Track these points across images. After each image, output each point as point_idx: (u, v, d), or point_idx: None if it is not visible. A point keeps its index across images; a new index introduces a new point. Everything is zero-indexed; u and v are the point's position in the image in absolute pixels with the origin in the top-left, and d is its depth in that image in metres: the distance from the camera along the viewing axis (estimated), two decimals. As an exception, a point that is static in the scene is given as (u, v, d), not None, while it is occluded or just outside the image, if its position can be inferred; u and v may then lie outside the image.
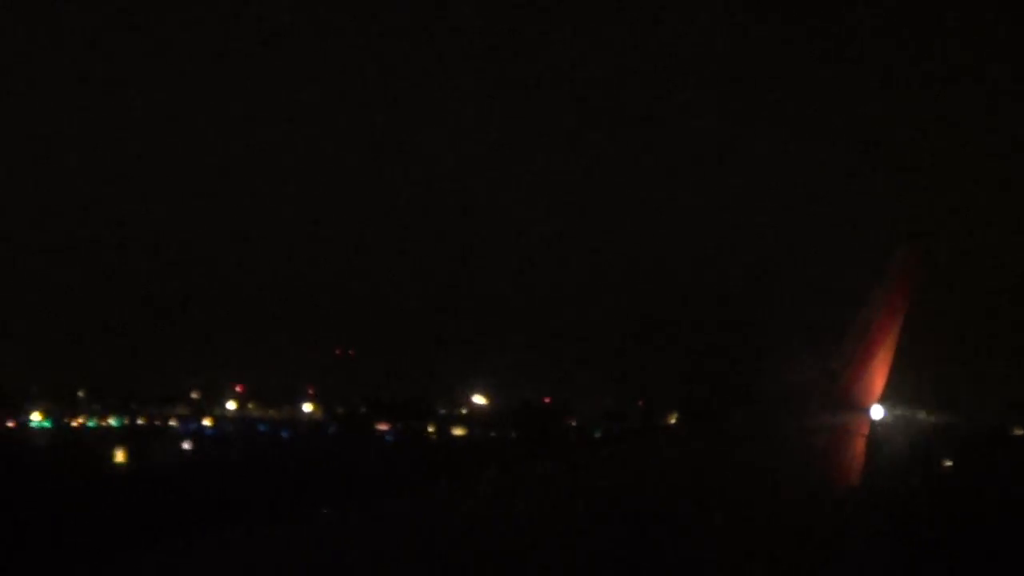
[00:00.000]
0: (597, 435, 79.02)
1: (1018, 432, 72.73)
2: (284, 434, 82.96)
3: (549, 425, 78.28)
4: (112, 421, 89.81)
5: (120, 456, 57.10)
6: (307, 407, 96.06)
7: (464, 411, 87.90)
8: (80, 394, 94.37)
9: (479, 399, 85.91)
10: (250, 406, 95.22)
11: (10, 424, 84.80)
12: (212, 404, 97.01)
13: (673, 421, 76.02)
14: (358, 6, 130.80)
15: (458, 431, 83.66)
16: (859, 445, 14.67)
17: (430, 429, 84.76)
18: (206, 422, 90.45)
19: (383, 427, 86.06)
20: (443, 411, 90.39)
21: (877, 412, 14.28)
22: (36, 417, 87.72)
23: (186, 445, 70.74)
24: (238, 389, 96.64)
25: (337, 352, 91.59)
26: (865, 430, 14.70)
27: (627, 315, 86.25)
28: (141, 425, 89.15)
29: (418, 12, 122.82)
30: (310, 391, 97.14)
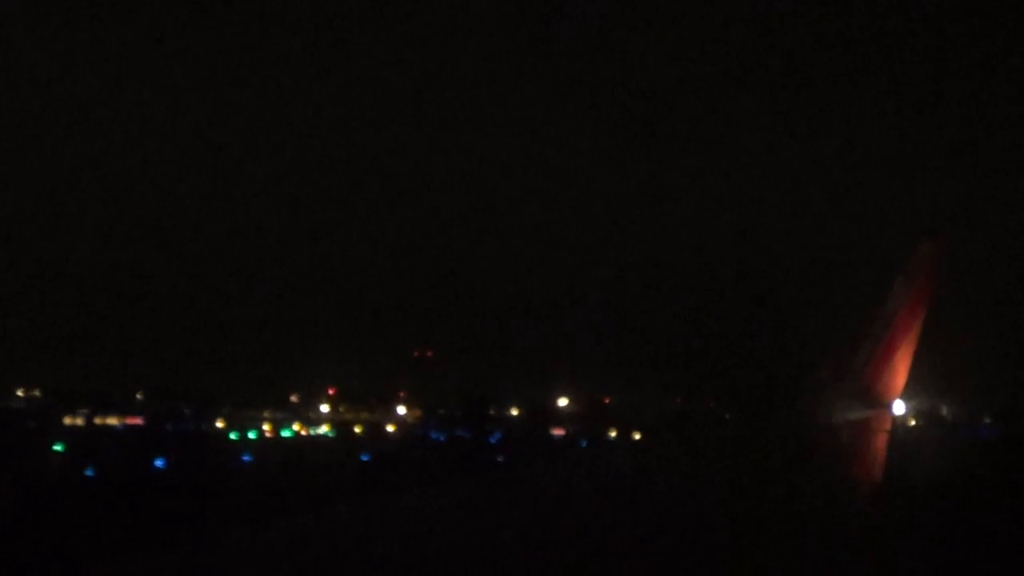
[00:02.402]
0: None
1: None
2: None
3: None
4: (325, 430, 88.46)
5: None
6: (401, 409, 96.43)
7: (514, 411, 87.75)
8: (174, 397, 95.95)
9: (563, 400, 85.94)
10: (341, 408, 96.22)
11: (268, 434, 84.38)
12: (308, 407, 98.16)
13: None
14: (382, 8, 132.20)
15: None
16: (881, 441, 14.19)
17: (612, 434, 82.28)
18: (390, 428, 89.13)
19: (558, 431, 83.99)
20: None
21: (899, 408, 13.81)
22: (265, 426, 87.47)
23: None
24: (331, 392, 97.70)
25: (416, 354, 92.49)
26: (887, 426, 14.21)
27: (678, 319, 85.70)
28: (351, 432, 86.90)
29: (438, 16, 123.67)
30: (402, 393, 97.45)
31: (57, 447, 58.06)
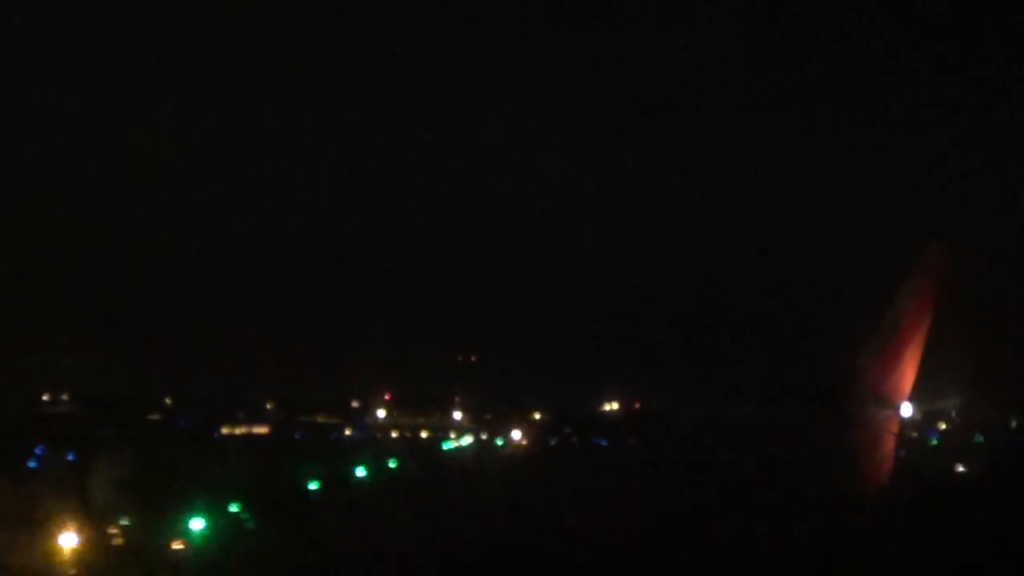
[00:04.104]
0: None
1: None
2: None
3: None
4: (498, 441, 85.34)
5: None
6: (457, 414, 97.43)
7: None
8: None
9: (612, 405, 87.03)
10: (395, 414, 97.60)
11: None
12: (365, 412, 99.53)
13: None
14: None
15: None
16: (888, 442, 15.62)
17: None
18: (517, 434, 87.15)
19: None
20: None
21: (906, 409, 15.35)
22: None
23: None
24: (386, 397, 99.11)
25: (459, 359, 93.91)
26: (895, 427, 15.61)
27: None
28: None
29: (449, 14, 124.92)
30: (456, 399, 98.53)
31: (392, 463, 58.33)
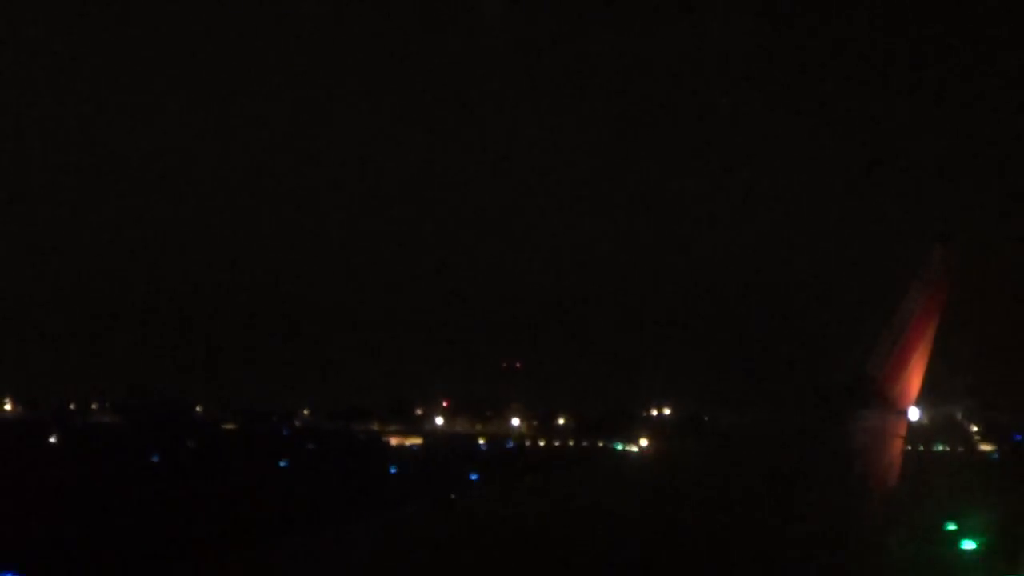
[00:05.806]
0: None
1: None
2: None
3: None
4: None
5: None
6: (515, 421, 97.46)
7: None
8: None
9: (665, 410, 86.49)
10: (452, 420, 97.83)
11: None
12: (426, 419, 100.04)
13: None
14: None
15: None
16: (897, 446, 14.69)
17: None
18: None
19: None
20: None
21: (914, 413, 14.43)
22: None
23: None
24: (444, 404, 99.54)
25: (504, 366, 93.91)
26: (903, 431, 14.70)
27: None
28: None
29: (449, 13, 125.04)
30: (514, 405, 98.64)
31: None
